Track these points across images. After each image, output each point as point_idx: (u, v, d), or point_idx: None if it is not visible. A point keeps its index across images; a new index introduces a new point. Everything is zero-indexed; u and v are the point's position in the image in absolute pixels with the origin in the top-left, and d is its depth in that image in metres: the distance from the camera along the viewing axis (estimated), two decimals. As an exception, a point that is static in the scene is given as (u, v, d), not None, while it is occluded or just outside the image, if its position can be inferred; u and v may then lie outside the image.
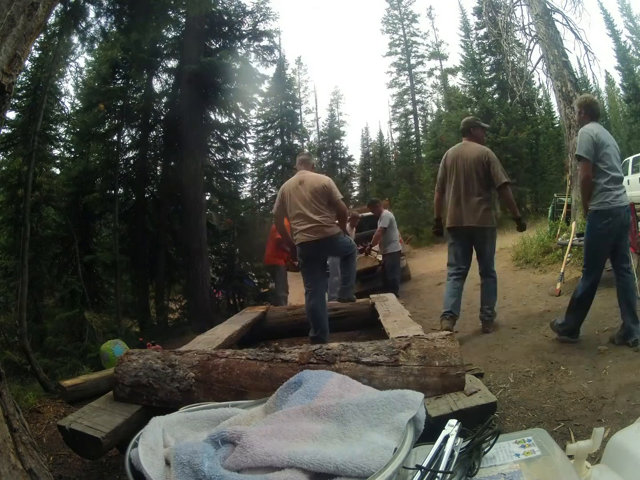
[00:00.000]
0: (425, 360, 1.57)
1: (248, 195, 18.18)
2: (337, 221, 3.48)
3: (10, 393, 1.37)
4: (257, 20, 8.08)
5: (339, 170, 25.93)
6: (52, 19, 4.95)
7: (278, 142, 20.69)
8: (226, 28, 8.04)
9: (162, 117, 8.24)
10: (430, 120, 23.99)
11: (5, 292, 5.94)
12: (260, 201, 20.24)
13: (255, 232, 8.73)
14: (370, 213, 6.96)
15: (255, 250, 7.92)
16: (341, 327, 3.87)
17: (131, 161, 8.14)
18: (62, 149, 7.99)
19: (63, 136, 7.92)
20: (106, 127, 7.63)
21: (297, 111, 24.15)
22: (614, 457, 0.87)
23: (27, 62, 4.83)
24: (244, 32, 8.04)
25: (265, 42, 8.04)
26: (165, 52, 7.98)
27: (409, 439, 0.86)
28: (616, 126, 22.68)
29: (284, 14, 45.55)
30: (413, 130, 24.50)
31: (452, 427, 0.86)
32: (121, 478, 1.78)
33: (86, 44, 5.19)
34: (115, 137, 7.44)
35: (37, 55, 6.83)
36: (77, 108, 8.29)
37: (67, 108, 7.93)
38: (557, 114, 17.49)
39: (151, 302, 7.88)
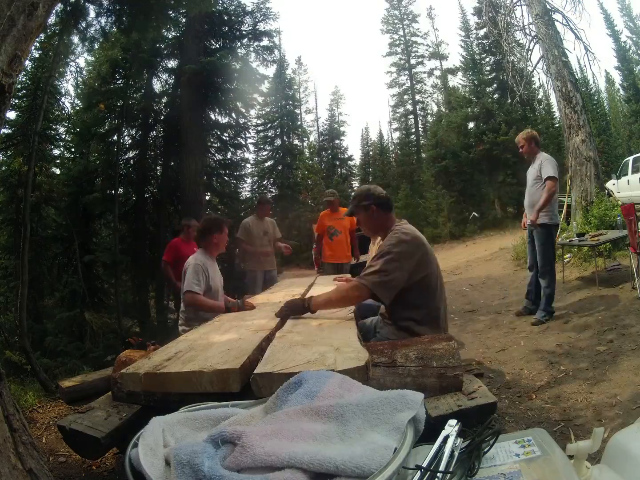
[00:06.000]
0: (423, 361, 1.56)
1: (248, 195, 18.15)
2: None
3: (11, 393, 1.37)
4: (257, 20, 8.10)
5: (339, 170, 25.94)
6: (52, 19, 4.95)
7: (278, 142, 20.70)
8: (226, 28, 8.05)
9: (162, 117, 8.24)
10: (430, 120, 23.99)
11: (5, 292, 5.96)
12: (260, 201, 20.19)
13: None
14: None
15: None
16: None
17: (131, 161, 8.13)
18: (62, 149, 8.03)
19: (63, 136, 7.95)
20: (106, 127, 7.63)
21: (297, 111, 24.21)
22: (614, 457, 0.87)
23: (27, 62, 4.83)
24: (244, 32, 8.06)
25: (265, 42, 8.08)
26: (165, 52, 7.99)
27: (409, 439, 0.86)
28: (616, 126, 22.68)
29: (284, 14, 45.58)
30: (413, 130, 24.52)
31: (452, 427, 0.86)
32: (121, 478, 1.78)
33: (86, 44, 5.20)
34: (115, 137, 7.45)
35: (37, 55, 6.86)
36: (77, 108, 8.33)
37: (67, 108, 7.97)
38: (557, 114, 17.51)
39: (151, 302, 7.87)
